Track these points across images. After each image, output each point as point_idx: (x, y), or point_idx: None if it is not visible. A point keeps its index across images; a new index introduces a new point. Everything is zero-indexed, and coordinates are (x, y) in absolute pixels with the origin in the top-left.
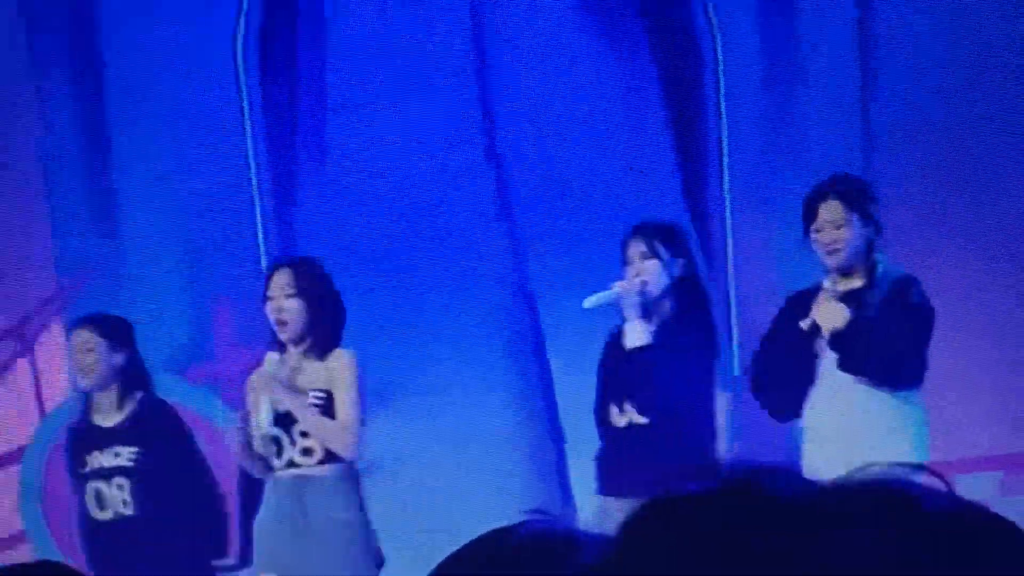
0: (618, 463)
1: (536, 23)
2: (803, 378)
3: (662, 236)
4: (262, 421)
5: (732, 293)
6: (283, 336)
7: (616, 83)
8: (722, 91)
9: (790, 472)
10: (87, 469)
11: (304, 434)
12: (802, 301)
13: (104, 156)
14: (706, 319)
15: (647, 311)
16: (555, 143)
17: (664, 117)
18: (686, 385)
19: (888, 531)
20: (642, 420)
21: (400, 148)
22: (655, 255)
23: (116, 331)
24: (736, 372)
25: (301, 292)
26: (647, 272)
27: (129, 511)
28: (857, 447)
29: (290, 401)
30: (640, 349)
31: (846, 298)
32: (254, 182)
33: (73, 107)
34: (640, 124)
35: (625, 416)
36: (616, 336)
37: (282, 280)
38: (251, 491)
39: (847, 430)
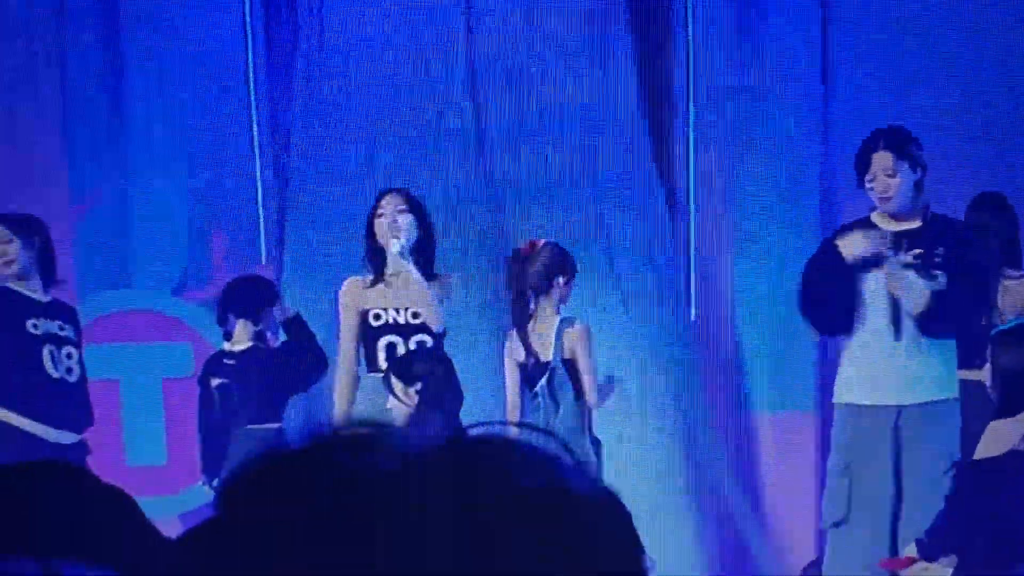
0: None
1: None
2: (847, 303)
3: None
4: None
5: (692, 236)
6: (395, 250)
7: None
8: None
9: (394, 434)
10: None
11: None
12: (849, 233)
13: (119, 89)
14: None
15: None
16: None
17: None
18: None
19: (469, 497)
20: None
21: (388, 66)
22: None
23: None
24: (692, 318)
25: (412, 209)
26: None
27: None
28: (887, 380)
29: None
30: None
31: (900, 237)
32: (254, 123)
33: (92, 41)
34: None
35: None
36: None
37: (394, 199)
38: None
39: (880, 365)
